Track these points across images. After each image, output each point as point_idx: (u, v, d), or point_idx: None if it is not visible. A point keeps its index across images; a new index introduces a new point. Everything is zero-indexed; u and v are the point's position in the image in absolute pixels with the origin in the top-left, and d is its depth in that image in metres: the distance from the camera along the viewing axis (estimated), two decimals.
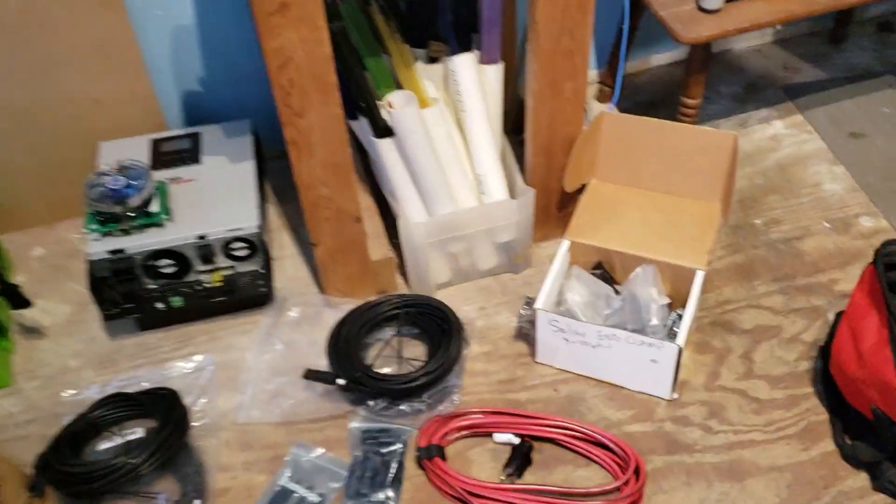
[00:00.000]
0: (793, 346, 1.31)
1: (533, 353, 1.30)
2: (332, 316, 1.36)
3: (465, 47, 1.28)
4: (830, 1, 1.44)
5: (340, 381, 1.23)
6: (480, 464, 1.19)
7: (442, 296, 1.40)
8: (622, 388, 1.27)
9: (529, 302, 1.27)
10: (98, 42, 1.38)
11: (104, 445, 1.22)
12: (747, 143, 1.64)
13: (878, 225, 1.48)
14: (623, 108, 1.63)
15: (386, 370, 1.28)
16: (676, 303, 1.30)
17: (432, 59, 1.32)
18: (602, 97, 1.74)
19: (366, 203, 1.42)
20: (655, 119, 1.34)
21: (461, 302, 1.39)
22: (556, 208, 1.42)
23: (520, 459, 1.18)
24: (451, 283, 1.42)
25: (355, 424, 1.23)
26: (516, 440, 1.20)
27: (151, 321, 1.38)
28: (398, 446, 1.20)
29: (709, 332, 1.34)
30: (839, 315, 1.24)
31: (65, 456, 1.16)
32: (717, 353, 1.31)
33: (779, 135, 1.66)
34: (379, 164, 1.35)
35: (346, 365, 1.24)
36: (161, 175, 1.38)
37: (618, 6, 1.49)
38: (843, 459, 1.17)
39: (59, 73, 1.39)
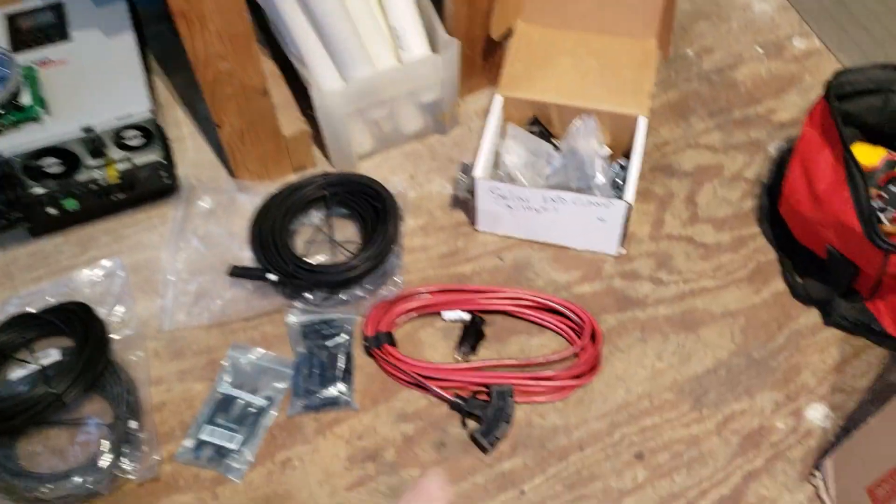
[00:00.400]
0: (735, 185, 1.28)
1: (473, 222, 1.22)
2: (248, 202, 1.24)
3: None
4: None
5: (272, 277, 1.13)
6: (432, 344, 1.13)
7: (366, 167, 1.29)
8: (568, 248, 1.21)
9: (465, 168, 1.18)
10: None
11: (16, 374, 1.10)
12: None
13: (810, 45, 1.42)
14: None
15: (319, 258, 1.19)
16: (616, 152, 1.24)
17: None
18: None
19: (269, 69, 1.27)
20: None
21: (388, 172, 1.28)
22: (482, 58, 1.30)
23: (472, 336, 1.12)
24: (374, 151, 1.30)
25: (294, 319, 1.15)
26: (467, 316, 1.14)
27: (44, 228, 1.23)
28: (343, 337, 1.13)
29: (649, 179, 1.28)
30: (786, 152, 1.19)
31: None
32: (660, 199, 1.27)
33: None
34: (281, 26, 1.19)
35: (274, 258, 1.14)
36: (25, 59, 1.18)
37: None
38: (795, 298, 1.17)
39: None
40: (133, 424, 1.05)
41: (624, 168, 1.22)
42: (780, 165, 1.22)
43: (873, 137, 1.15)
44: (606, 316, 1.16)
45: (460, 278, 1.19)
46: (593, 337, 1.12)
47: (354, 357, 1.12)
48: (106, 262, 1.21)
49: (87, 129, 1.13)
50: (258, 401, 1.09)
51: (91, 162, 1.17)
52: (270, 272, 1.13)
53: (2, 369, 1.10)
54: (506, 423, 1.05)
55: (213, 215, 1.24)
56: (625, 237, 1.19)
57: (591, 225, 1.15)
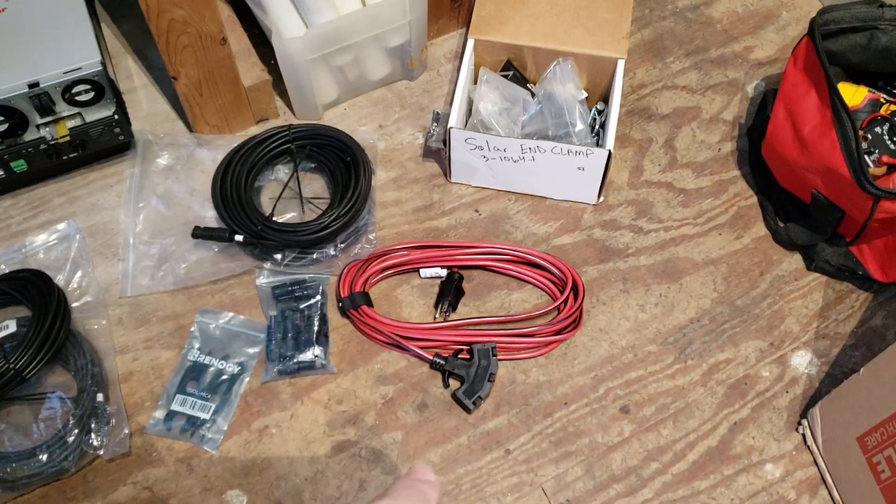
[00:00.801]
0: (714, 127, 1.24)
1: (447, 174, 1.18)
2: (208, 157, 1.17)
3: None
4: None
5: (239, 238, 1.07)
6: (409, 303, 1.10)
7: (332, 117, 1.23)
8: (546, 198, 1.17)
9: (437, 117, 1.12)
10: None
11: None
12: None
13: None
14: None
15: (289, 216, 1.13)
16: (593, 95, 1.19)
17: None
18: None
19: (227, 15, 1.19)
20: None
21: (356, 122, 1.22)
22: None
23: (451, 293, 1.09)
24: (339, 100, 1.24)
25: (263, 280, 1.10)
26: (444, 273, 1.10)
27: None
28: (317, 298, 1.08)
29: (627, 123, 1.24)
30: (766, 93, 1.16)
31: None
32: (638, 144, 1.23)
33: None
34: None
35: (240, 217, 1.08)
36: None
37: None
38: (777, 243, 1.15)
39: None
40: (99, 397, 1.00)
41: (601, 112, 1.18)
42: (760, 106, 1.18)
43: (855, 76, 1.12)
44: (587, 267, 1.13)
45: (436, 233, 1.14)
46: (575, 290, 1.09)
47: (329, 319, 1.08)
48: (60, 226, 1.14)
49: (33, 85, 1.05)
50: (230, 366, 1.05)
51: (39, 120, 1.09)
52: (237, 233, 1.07)
53: None
54: (489, 382, 1.02)
55: (173, 172, 1.17)
56: (603, 185, 1.15)
57: (570, 174, 1.11)
